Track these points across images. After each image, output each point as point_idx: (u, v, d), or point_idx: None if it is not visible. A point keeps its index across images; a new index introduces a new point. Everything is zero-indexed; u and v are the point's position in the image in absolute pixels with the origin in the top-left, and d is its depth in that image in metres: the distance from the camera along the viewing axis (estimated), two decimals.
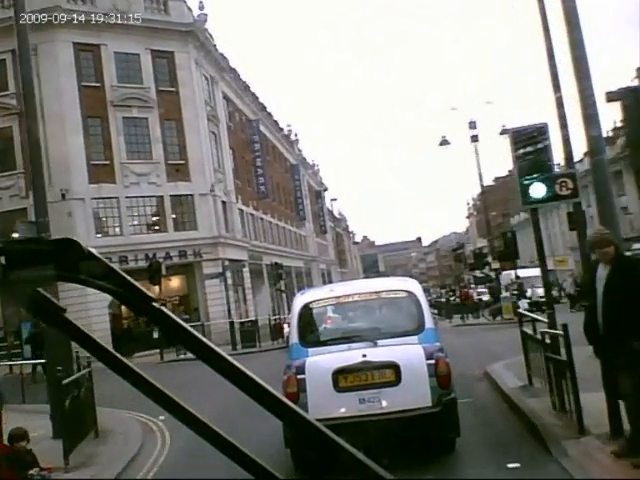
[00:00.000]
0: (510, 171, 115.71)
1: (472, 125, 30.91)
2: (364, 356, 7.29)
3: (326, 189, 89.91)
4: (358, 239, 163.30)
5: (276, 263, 35.10)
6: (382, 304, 8.66)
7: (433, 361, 7.34)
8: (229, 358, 0.88)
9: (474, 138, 31.03)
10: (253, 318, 30.90)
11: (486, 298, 40.41)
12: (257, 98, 53.64)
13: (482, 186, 31.85)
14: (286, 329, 26.15)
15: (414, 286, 8.56)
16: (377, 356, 7.33)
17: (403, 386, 7.22)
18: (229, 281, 36.13)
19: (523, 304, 30.53)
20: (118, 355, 0.91)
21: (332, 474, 0.88)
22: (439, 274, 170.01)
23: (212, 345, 0.88)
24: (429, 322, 7.94)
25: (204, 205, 36.73)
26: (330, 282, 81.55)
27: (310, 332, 8.23)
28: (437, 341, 7.84)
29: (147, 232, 35.34)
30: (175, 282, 35.86)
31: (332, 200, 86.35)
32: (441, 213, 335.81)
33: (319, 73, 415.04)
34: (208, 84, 40.41)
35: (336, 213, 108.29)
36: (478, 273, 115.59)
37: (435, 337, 7.90)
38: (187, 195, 36.54)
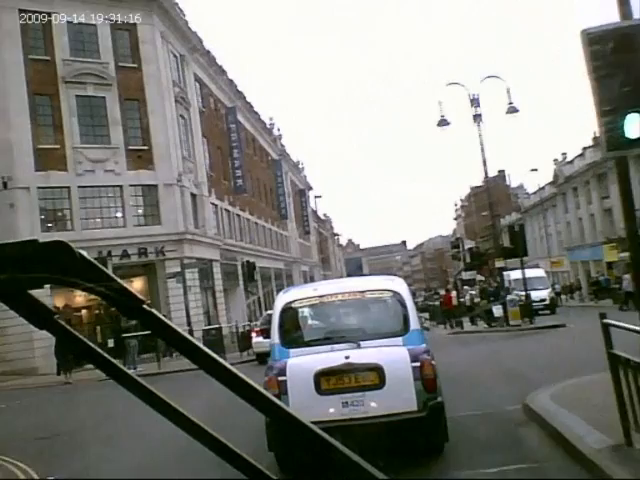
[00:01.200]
0: (500, 171, 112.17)
1: (475, 102, 26.65)
2: (347, 358, 6.97)
3: (311, 188, 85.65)
4: (343, 242, 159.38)
5: (248, 262, 30.56)
6: (366, 304, 8.17)
7: (418, 364, 6.96)
8: (221, 360, 0.87)
9: (477, 118, 26.79)
10: (219, 325, 26.28)
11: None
12: (235, 85, 49.25)
13: (486, 173, 27.40)
14: (254, 338, 21.83)
15: (400, 286, 8.13)
16: (360, 358, 7.00)
17: (387, 389, 6.88)
18: (196, 283, 31.76)
19: (498, 310, 26.43)
20: (111, 358, 0.91)
21: (320, 474, 0.85)
22: (424, 277, 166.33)
23: (203, 347, 0.87)
24: (415, 323, 7.58)
25: (169, 197, 32.30)
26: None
27: (292, 333, 7.82)
28: (423, 343, 7.44)
29: (102, 227, 30.81)
30: (137, 284, 31.30)
31: (316, 197, 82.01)
32: (427, 217, 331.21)
33: (302, 64, 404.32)
34: (177, 63, 35.98)
35: (321, 215, 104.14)
36: (465, 275, 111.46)
37: (421, 339, 7.51)
38: (150, 185, 32.08)
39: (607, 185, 50.05)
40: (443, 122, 27.29)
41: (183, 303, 28.88)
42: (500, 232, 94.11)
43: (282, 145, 67.32)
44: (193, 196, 35.48)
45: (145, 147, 32.02)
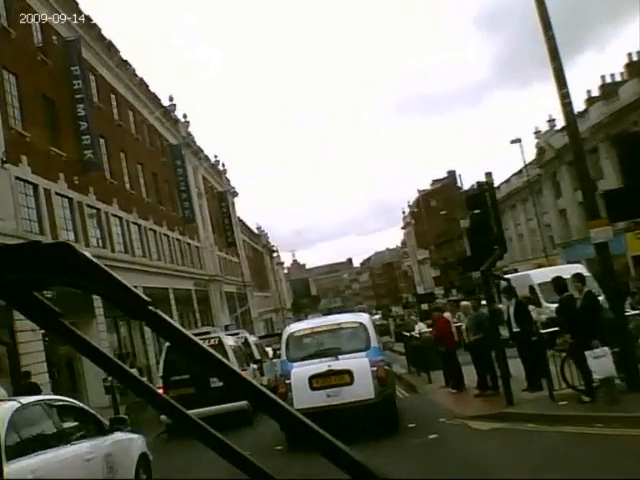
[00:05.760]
0: (449, 172, 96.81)
1: None
2: (329, 366, 10.47)
3: (236, 194, 68.47)
4: (287, 263, 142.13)
5: None
6: (342, 331, 11.65)
7: (375, 368, 10.53)
8: (226, 362, 0.85)
9: None
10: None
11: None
12: (97, 28, 31.75)
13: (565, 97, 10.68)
14: None
15: (365, 318, 12.29)
16: (338, 366, 10.48)
17: (355, 385, 10.33)
18: None
19: (604, 362, 9.36)
20: (115, 359, 0.90)
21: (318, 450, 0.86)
22: (374, 294, 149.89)
23: (208, 349, 0.84)
24: (374, 343, 11.17)
25: None
26: (246, 309, 60.88)
27: (294, 352, 11.32)
28: (379, 355, 11.13)
29: None
30: None
31: (233, 194, 64.45)
32: (370, 231, 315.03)
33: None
34: None
35: (254, 227, 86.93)
36: (421, 289, 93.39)
37: (377, 353, 11.10)
38: None
39: None
40: None
41: None
42: (458, 237, 78.61)
43: (189, 134, 50.08)
44: None
45: None
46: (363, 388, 10.24)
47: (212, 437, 0.87)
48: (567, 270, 23.49)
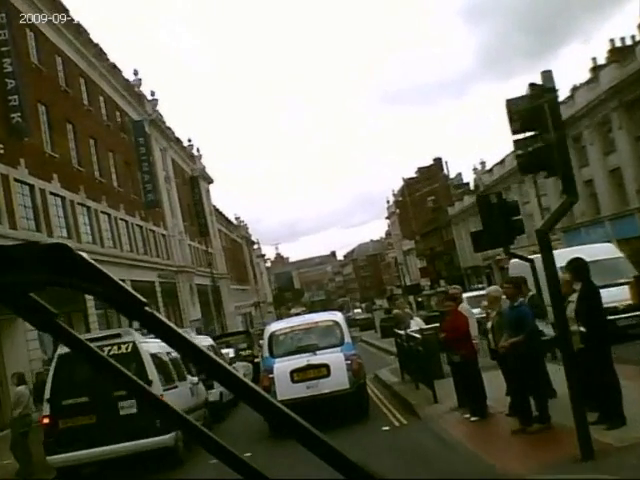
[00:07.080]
0: (436, 159, 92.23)
1: None
2: (308, 361, 11.41)
3: (211, 181, 63.71)
4: (271, 256, 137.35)
5: None
6: (319, 329, 12.59)
7: (349, 361, 11.53)
8: (221, 362, 0.86)
9: None
10: None
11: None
12: None
13: None
14: None
15: (339, 317, 13.24)
16: (316, 360, 11.43)
17: (332, 377, 11.29)
18: None
19: None
20: (111, 360, 0.90)
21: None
22: (358, 286, 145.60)
23: (204, 349, 0.85)
24: (347, 339, 12.17)
25: None
26: (220, 303, 56.48)
27: (275, 349, 12.17)
28: (352, 350, 12.05)
29: None
30: None
31: (206, 178, 59.44)
32: (355, 228, 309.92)
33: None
34: None
35: (232, 217, 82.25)
36: (407, 281, 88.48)
37: (351, 347, 12.07)
38: None
39: None
40: None
41: None
42: (446, 226, 74.30)
43: (156, 112, 45.36)
44: None
45: None
46: (339, 379, 11.29)
47: (203, 434, 0.86)
48: (595, 250, 19.37)
